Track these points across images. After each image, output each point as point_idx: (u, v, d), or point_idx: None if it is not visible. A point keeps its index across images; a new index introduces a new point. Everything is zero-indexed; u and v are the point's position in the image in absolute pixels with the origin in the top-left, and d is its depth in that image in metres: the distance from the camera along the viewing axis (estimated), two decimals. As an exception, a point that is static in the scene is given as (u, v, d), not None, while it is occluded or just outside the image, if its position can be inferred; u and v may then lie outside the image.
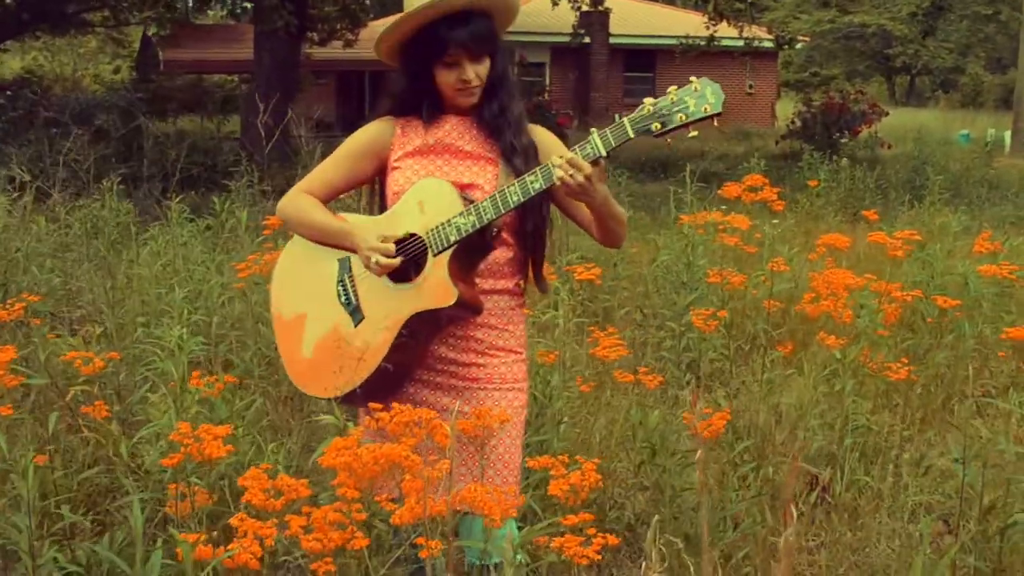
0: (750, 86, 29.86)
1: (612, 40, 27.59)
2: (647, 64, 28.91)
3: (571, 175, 2.36)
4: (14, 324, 4.61)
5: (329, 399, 2.61)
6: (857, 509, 3.66)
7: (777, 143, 21.27)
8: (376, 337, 2.56)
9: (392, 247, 2.51)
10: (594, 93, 27.41)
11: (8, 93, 20.09)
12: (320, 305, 2.68)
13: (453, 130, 2.68)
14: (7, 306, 3.64)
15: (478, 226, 2.48)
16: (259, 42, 18.76)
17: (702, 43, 20.97)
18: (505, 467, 2.62)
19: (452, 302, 2.48)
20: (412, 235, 2.57)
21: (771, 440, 3.81)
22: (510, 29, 2.75)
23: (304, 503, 2.03)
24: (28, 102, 17.30)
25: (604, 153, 2.36)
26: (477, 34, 2.57)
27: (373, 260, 2.51)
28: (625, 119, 2.34)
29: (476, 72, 2.59)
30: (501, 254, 2.64)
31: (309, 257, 2.71)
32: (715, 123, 2.33)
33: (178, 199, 6.41)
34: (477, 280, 2.61)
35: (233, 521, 1.92)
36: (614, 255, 6.45)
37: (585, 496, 2.19)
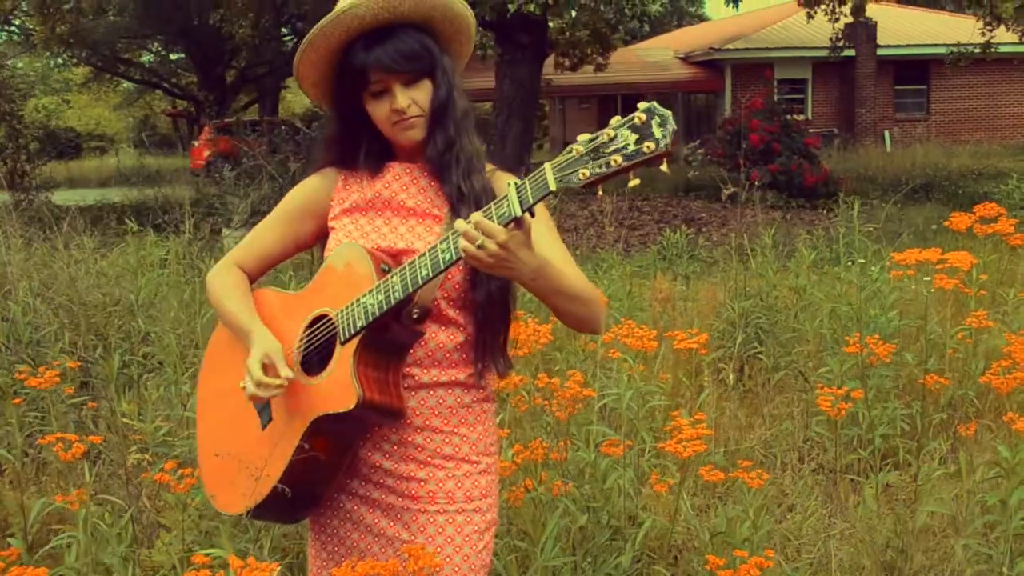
0: (1038, 95, 27.08)
1: (880, 52, 25.74)
2: (919, 76, 26.72)
3: (479, 244, 1.72)
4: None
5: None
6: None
7: (1067, 159, 18.97)
8: (277, 447, 2.01)
9: (267, 377, 1.97)
10: (860, 109, 25.63)
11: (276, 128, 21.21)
12: (235, 398, 2.16)
13: (395, 180, 2.12)
14: (39, 373, 3.34)
15: (385, 307, 1.88)
16: (499, 69, 18.77)
17: (976, 51, 19.09)
18: None
19: (351, 406, 1.89)
20: (323, 316, 2.01)
21: (909, 563, 2.93)
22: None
23: None
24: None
25: (519, 212, 1.70)
26: (402, 51, 2.01)
27: (242, 386, 2.00)
28: (547, 165, 1.68)
29: (412, 99, 2.03)
30: (448, 337, 2.05)
31: (235, 336, 2.20)
32: (664, 167, 1.61)
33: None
34: (414, 371, 2.04)
35: None
36: (792, 303, 5.58)
37: None
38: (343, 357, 1.94)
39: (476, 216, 1.74)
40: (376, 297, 1.90)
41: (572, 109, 32.28)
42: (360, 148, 2.14)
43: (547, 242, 2.02)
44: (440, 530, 2.03)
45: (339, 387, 1.92)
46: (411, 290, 1.87)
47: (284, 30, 29.63)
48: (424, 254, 1.86)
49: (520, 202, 1.70)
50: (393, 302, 1.88)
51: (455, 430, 2.07)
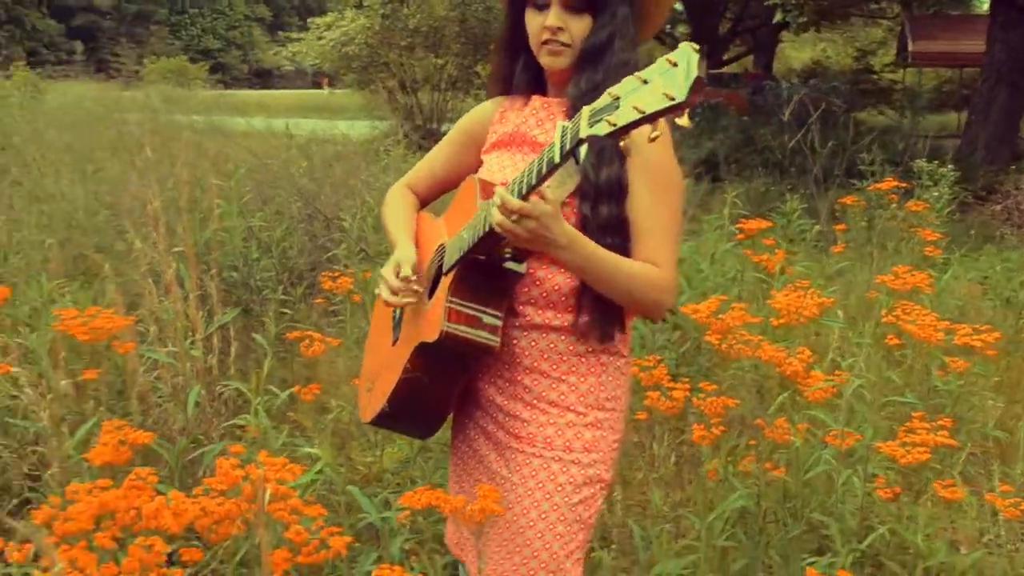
0: None
1: None
2: None
3: (501, 216, 1.71)
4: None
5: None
6: None
7: None
8: (393, 366, 2.08)
9: (396, 279, 2.02)
10: None
11: (756, 83, 21.14)
12: (385, 315, 2.28)
13: (532, 115, 2.08)
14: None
15: (474, 243, 1.86)
16: (992, 32, 17.04)
17: None
18: (526, 564, 1.96)
19: (435, 338, 1.90)
20: (443, 244, 2.04)
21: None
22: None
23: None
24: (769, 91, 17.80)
25: (558, 159, 1.58)
26: None
27: (376, 292, 2.08)
28: (585, 108, 1.53)
29: (566, 23, 1.96)
30: (564, 280, 1.98)
31: None
32: (682, 120, 1.41)
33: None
34: (528, 311, 1.99)
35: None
36: None
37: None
38: (442, 288, 1.94)
39: (501, 192, 1.70)
40: (470, 231, 1.88)
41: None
42: (512, 65, 2.12)
43: (643, 204, 1.92)
44: (533, 473, 1.98)
45: (434, 317, 1.93)
46: (484, 231, 1.81)
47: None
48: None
49: (560, 147, 1.58)
50: (476, 239, 1.83)
51: (563, 377, 2.00)
